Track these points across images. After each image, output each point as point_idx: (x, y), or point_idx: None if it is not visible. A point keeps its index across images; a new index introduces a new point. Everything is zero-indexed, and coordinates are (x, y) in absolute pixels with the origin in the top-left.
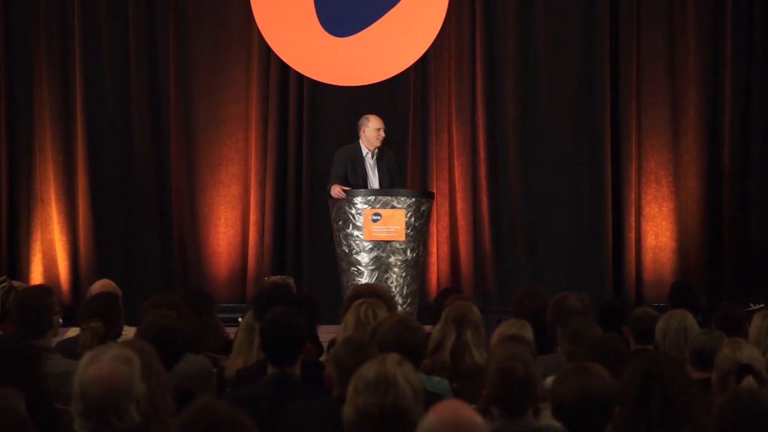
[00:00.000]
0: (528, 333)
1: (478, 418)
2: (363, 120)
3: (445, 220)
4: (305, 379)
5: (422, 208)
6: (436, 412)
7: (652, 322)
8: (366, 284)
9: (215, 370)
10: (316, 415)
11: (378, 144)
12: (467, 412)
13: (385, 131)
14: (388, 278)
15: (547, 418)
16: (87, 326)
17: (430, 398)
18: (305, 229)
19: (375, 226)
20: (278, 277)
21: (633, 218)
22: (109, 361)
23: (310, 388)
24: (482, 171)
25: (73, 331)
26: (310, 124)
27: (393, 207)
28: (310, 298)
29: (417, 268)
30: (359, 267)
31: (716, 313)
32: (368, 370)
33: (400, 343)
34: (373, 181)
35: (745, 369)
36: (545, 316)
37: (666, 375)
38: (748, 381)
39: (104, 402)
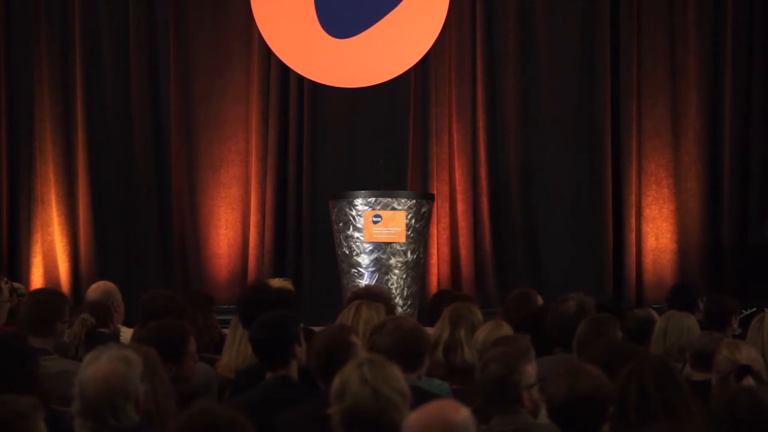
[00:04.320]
0: (506, 331)
1: (461, 420)
2: None
3: (445, 222)
4: (305, 380)
5: (423, 209)
6: (421, 410)
7: (649, 323)
8: (365, 286)
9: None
10: (308, 422)
11: None
12: (452, 412)
13: None
14: (388, 280)
15: (544, 418)
16: (77, 317)
17: (430, 398)
18: (306, 230)
19: (375, 228)
20: (278, 279)
21: (633, 220)
22: (107, 361)
23: (307, 390)
24: (483, 172)
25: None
26: (311, 126)
27: (393, 209)
28: (285, 294)
29: (417, 269)
30: (360, 269)
31: (705, 306)
32: (336, 379)
33: (396, 348)
34: None
35: (745, 370)
36: (540, 320)
37: (645, 371)
38: (748, 382)
39: (100, 401)
